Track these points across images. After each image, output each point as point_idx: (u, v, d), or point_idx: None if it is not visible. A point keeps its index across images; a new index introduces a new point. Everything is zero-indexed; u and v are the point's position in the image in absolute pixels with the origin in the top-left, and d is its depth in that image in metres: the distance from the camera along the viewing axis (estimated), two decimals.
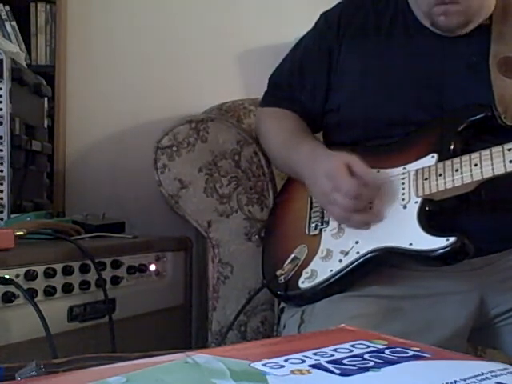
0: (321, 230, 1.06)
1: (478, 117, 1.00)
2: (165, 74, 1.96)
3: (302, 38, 1.24)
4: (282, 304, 1.13)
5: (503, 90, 1.01)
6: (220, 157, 1.27)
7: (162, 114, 1.86)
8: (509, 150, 0.90)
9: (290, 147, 1.13)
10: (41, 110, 1.65)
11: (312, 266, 1.03)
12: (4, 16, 1.86)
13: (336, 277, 1.00)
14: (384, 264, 1.00)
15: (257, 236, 1.26)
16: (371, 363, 0.43)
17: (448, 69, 1.06)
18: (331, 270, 1.00)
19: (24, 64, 1.59)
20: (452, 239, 0.90)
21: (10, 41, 1.79)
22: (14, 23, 1.87)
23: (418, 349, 0.47)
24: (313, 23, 1.22)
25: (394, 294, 1.00)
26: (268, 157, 1.28)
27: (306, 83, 1.18)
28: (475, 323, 1.02)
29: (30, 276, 1.01)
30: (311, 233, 1.07)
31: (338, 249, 1.01)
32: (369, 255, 0.98)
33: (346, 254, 1.00)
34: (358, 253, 0.99)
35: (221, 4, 1.97)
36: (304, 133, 1.17)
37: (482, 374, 0.41)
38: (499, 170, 0.90)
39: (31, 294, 0.98)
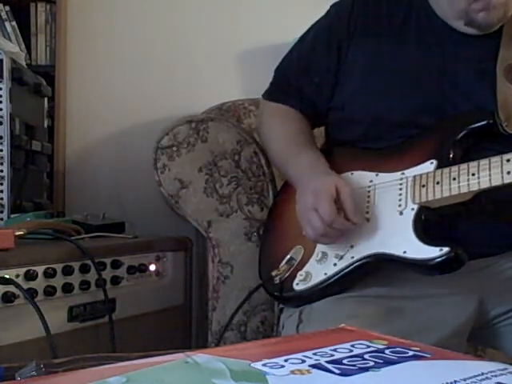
0: None
1: (478, 124, 0.98)
2: (165, 74, 1.96)
3: (311, 28, 1.20)
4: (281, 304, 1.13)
5: (507, 96, 1.00)
6: (220, 157, 1.27)
7: (162, 114, 1.86)
8: (507, 160, 0.89)
9: (291, 154, 1.12)
10: (41, 109, 1.65)
11: (307, 268, 1.02)
12: (4, 16, 1.86)
13: (330, 280, 0.99)
14: (378, 270, 1.00)
15: (257, 235, 1.26)
16: (371, 363, 0.43)
17: (456, 73, 1.04)
18: (325, 274, 1.00)
19: (24, 64, 1.59)
20: (445, 249, 0.90)
21: (10, 41, 1.79)
22: (14, 23, 1.87)
23: (418, 349, 0.47)
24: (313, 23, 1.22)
25: (394, 294, 0.99)
26: (267, 154, 1.27)
27: (313, 78, 1.15)
28: (475, 323, 1.02)
29: (30, 276, 1.01)
30: None
31: (333, 252, 1.01)
32: (363, 261, 0.97)
33: (341, 257, 0.99)
34: (352, 257, 0.98)
35: (221, 4, 1.97)
36: (306, 139, 1.15)
37: (482, 374, 0.41)
38: (496, 181, 0.89)
39: (31, 294, 0.98)
